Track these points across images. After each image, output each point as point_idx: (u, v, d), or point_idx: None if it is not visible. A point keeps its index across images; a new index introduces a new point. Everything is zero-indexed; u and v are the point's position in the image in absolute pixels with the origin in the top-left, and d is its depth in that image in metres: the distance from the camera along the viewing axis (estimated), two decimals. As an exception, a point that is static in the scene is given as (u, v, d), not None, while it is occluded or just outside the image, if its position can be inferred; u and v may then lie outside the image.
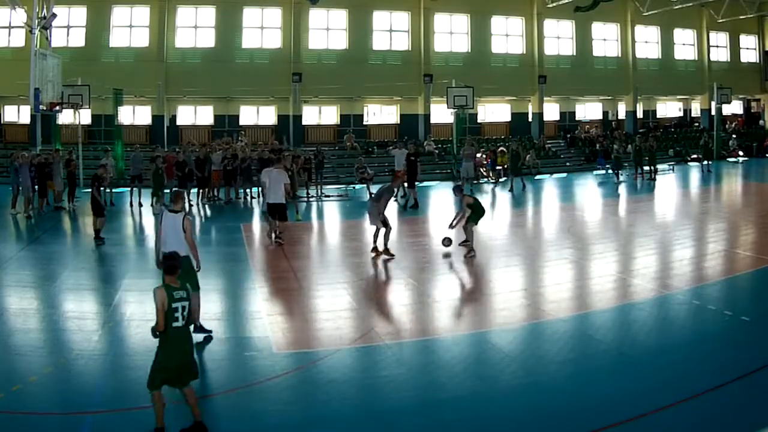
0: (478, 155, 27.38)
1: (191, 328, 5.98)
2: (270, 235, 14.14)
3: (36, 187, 17.97)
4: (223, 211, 19.46)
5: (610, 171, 27.10)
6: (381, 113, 33.49)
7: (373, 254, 12.67)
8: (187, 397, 5.80)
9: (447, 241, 13.09)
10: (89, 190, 15.16)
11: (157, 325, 5.58)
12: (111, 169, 18.90)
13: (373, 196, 13.82)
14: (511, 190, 23.07)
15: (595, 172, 29.19)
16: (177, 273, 5.78)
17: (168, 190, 18.31)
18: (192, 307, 5.87)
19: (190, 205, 19.34)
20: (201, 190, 20.53)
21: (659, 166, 27.32)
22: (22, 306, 9.80)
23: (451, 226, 13.29)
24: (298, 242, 14.17)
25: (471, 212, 12.93)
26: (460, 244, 12.99)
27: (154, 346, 5.72)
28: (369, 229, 17.46)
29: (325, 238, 15.21)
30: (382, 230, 12.62)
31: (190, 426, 5.81)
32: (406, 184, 19.76)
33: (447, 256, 12.86)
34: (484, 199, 22.30)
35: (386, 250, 12.58)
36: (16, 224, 16.93)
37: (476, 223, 13.09)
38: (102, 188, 15.78)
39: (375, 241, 12.78)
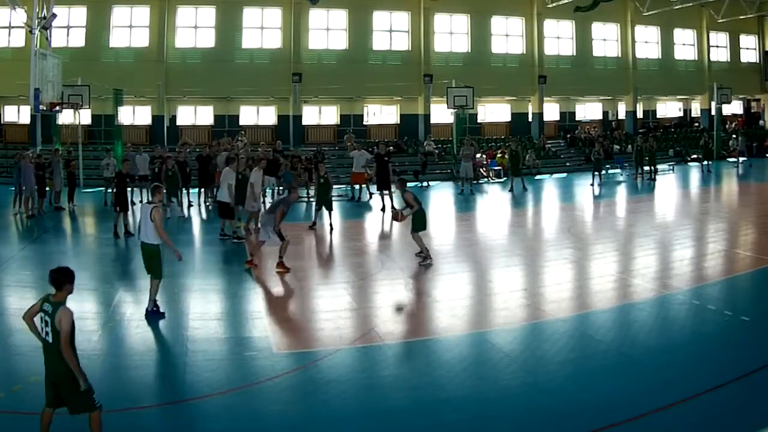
0: (478, 156, 27.45)
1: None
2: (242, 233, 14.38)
3: (36, 186, 17.95)
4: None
5: (618, 170, 26.95)
6: (381, 113, 33.48)
7: (278, 269, 11.57)
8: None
9: (397, 215, 12.63)
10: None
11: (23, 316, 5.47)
12: (113, 169, 18.84)
13: (268, 207, 13.11)
14: (511, 191, 23.08)
15: (595, 172, 29.11)
16: (59, 288, 5.30)
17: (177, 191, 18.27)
18: None
19: (190, 205, 19.33)
20: (202, 190, 20.33)
21: (659, 166, 27.32)
22: (22, 306, 9.78)
23: (396, 219, 12.96)
24: (298, 242, 14.16)
25: (412, 218, 12.18)
26: (416, 255, 12.44)
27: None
28: (369, 228, 17.47)
29: (325, 238, 15.19)
30: (278, 244, 11.52)
31: None
32: (375, 187, 19.74)
33: (447, 255, 12.85)
34: (484, 199, 22.37)
35: (281, 263, 11.56)
36: (21, 224, 16.95)
37: (421, 230, 12.25)
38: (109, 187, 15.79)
39: (280, 255, 11.68)
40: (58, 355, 5.18)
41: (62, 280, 5.29)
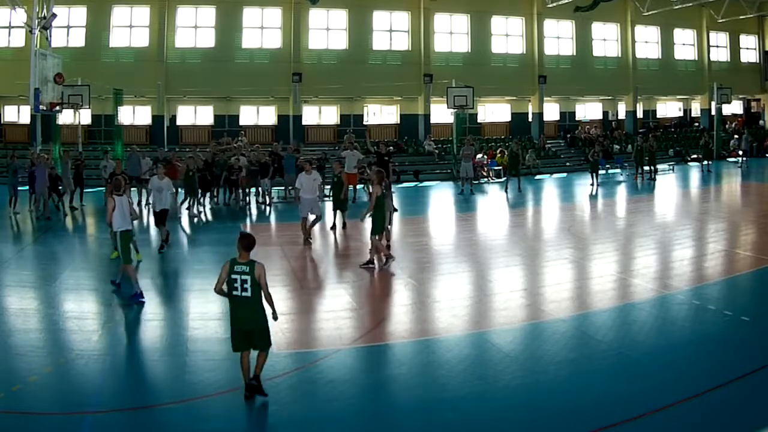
0: (479, 156, 27.46)
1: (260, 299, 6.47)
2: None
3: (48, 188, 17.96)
4: (221, 213, 19.40)
5: (618, 170, 26.90)
6: (381, 113, 33.48)
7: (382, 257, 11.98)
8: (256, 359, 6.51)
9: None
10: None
11: (215, 288, 6.53)
12: (111, 170, 18.79)
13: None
14: (505, 191, 23.08)
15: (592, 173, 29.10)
16: (249, 250, 6.42)
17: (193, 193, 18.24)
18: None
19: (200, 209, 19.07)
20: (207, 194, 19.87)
21: (659, 166, 27.32)
22: (22, 306, 9.81)
23: (362, 219, 12.68)
24: (298, 242, 14.17)
25: (372, 220, 11.78)
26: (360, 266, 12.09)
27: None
28: (368, 229, 17.51)
29: (325, 238, 15.19)
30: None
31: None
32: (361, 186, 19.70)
33: (447, 255, 12.85)
34: (484, 199, 22.37)
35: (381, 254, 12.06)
36: (32, 224, 17.07)
37: (378, 233, 11.89)
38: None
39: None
40: (258, 305, 6.37)
41: (251, 244, 6.42)
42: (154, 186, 13.65)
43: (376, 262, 11.96)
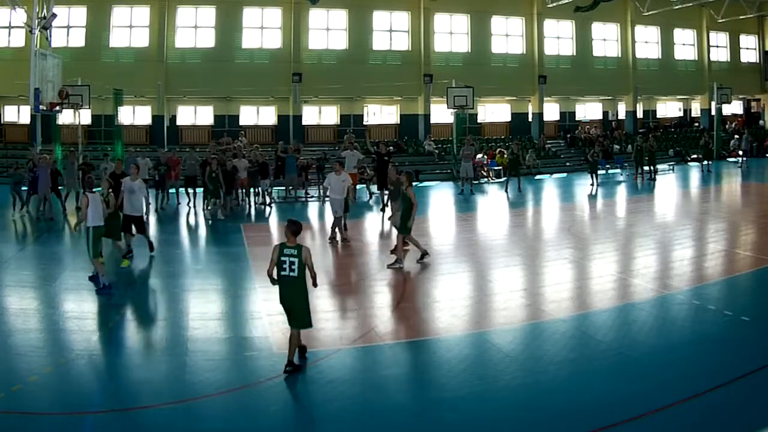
0: (479, 156, 27.46)
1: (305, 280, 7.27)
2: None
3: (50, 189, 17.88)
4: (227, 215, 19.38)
5: (618, 170, 26.88)
6: (381, 113, 33.47)
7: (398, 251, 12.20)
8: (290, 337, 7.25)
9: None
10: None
11: (268, 271, 7.26)
12: (111, 171, 18.75)
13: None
14: (506, 191, 23.10)
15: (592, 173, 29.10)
16: (296, 235, 7.25)
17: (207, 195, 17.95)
18: None
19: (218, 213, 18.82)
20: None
21: (659, 166, 27.31)
22: (22, 306, 9.81)
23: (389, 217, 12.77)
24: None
25: (401, 218, 11.84)
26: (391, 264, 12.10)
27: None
28: (368, 228, 17.52)
29: (325, 238, 15.18)
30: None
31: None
32: (375, 187, 19.58)
33: (447, 255, 12.85)
34: (484, 199, 22.37)
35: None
36: (34, 224, 17.07)
37: (405, 232, 11.87)
38: None
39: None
40: (300, 286, 7.17)
41: (298, 229, 7.28)
42: (126, 187, 12.66)
43: (403, 261, 11.96)
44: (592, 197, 22.24)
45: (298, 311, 7.23)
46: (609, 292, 10.54)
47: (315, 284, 7.56)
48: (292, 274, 7.12)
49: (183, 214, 18.91)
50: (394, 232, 12.57)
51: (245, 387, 6.97)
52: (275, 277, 7.22)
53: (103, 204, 10.83)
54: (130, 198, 12.55)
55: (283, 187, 21.57)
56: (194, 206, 19.60)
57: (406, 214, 11.82)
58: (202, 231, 16.90)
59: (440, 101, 29.38)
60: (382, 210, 18.54)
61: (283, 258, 7.12)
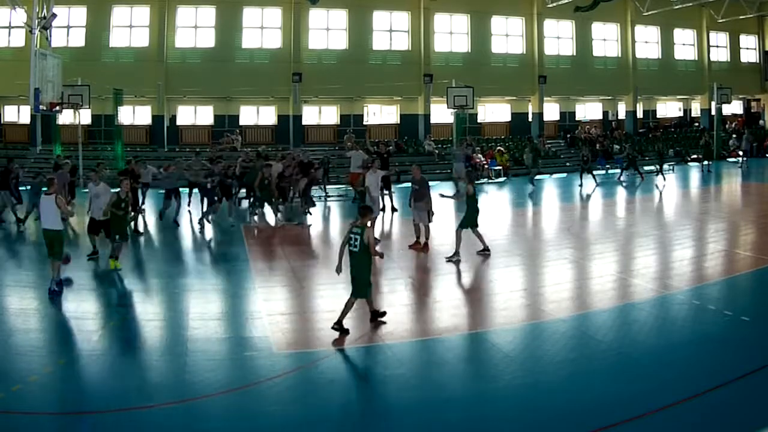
0: (480, 157, 27.47)
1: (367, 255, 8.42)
2: None
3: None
4: (221, 215, 19.31)
5: (619, 170, 26.90)
6: (381, 113, 33.49)
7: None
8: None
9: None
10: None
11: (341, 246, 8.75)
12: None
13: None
14: (531, 183, 24.19)
15: (594, 172, 29.09)
16: (367, 217, 8.60)
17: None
18: None
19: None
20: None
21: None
22: (22, 306, 9.81)
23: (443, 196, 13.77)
24: (297, 242, 14.17)
25: (465, 213, 12.55)
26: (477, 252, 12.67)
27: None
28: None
29: (325, 238, 15.20)
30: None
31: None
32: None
33: (447, 255, 12.83)
34: (484, 199, 22.34)
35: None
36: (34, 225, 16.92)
37: (466, 227, 12.48)
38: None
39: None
40: (361, 259, 8.37)
41: (367, 212, 8.67)
42: (91, 192, 12.77)
43: (460, 253, 12.32)
44: (590, 197, 22.24)
45: (358, 281, 8.43)
46: (609, 292, 10.54)
47: (377, 255, 8.76)
48: (354, 249, 8.38)
49: (188, 220, 18.85)
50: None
51: (245, 387, 6.97)
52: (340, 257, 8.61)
53: (61, 207, 10.23)
54: (96, 202, 12.55)
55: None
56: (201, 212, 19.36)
57: (469, 211, 12.52)
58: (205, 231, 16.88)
59: (440, 101, 29.40)
60: (382, 210, 18.51)
61: (351, 234, 8.44)
